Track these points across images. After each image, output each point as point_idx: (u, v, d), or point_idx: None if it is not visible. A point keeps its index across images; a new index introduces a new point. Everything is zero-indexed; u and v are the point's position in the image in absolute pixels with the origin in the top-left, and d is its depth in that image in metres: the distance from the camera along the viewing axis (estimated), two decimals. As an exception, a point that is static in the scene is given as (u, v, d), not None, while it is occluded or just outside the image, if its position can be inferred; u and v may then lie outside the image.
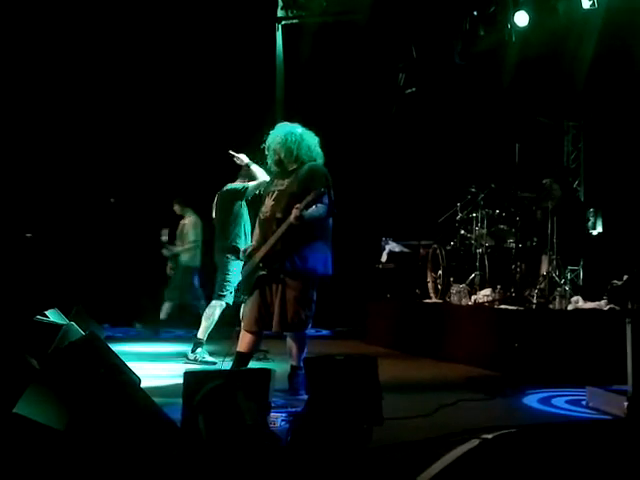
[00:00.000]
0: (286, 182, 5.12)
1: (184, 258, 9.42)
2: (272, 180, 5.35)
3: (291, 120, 5.40)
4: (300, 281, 4.99)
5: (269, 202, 5.12)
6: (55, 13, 9.86)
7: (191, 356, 6.60)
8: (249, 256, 5.20)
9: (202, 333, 6.67)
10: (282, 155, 5.14)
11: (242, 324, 5.18)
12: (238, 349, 5.16)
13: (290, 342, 5.18)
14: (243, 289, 5.27)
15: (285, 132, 5.19)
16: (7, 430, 3.09)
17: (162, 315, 9.32)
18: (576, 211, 8.22)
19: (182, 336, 8.80)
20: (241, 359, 5.12)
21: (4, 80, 9.72)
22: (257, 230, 5.27)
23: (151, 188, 10.31)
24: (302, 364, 4.98)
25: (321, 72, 10.33)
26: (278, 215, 4.99)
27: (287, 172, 5.17)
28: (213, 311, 6.70)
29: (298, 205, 4.84)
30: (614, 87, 8.84)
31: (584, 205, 8.82)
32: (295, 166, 5.14)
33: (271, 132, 5.28)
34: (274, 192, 5.14)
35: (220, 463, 2.95)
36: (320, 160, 5.23)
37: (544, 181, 8.15)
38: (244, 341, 5.13)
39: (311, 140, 5.22)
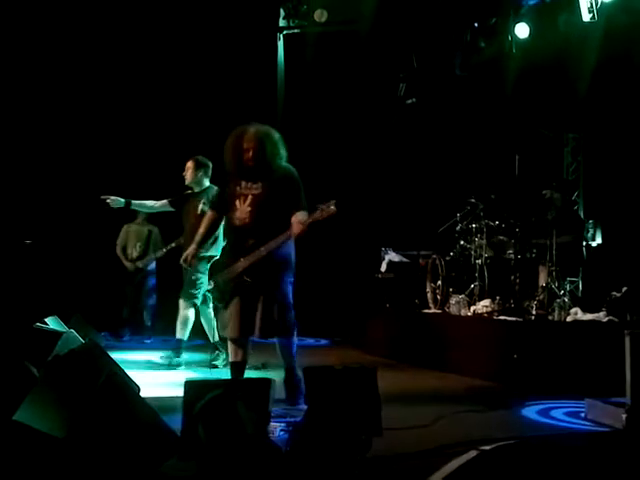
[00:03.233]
0: (260, 185, 4.90)
1: (154, 264, 9.83)
2: (234, 182, 4.99)
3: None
4: (282, 287, 4.95)
5: (244, 207, 4.89)
6: (54, 14, 9.88)
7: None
8: (223, 265, 5.02)
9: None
10: (269, 155, 4.88)
11: (227, 334, 5.05)
12: (231, 360, 5.09)
13: (281, 350, 5.08)
14: (217, 298, 5.08)
15: (274, 132, 4.99)
16: (7, 437, 3.09)
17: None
18: (574, 223, 8.25)
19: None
20: (237, 369, 5.05)
21: (5, 87, 9.74)
22: (229, 236, 5.10)
23: (153, 196, 10.31)
24: (296, 368, 4.97)
25: (322, 82, 10.37)
26: (259, 222, 4.86)
27: (256, 174, 4.90)
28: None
29: (302, 220, 4.74)
30: (614, 99, 8.87)
31: (580, 218, 8.87)
32: (270, 168, 4.92)
33: (247, 129, 4.96)
34: (247, 196, 4.91)
35: (220, 472, 2.95)
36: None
37: (544, 192, 8.18)
38: (235, 350, 5.04)
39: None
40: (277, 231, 4.89)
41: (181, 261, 5.47)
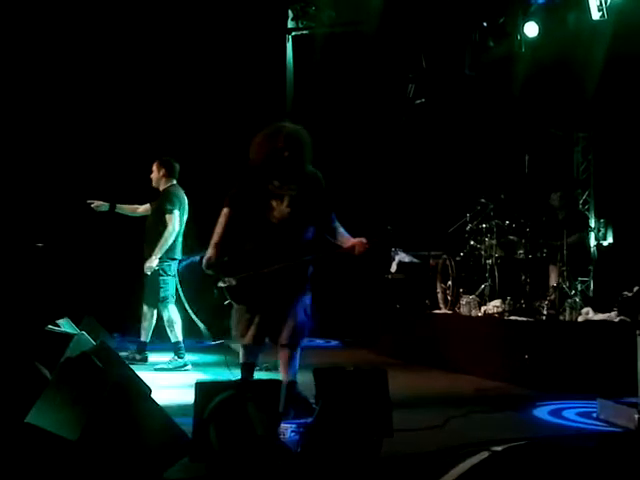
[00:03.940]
0: (295, 187, 4.70)
1: None
2: (264, 180, 4.70)
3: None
4: (309, 294, 4.84)
5: (283, 208, 4.67)
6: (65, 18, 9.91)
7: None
8: (243, 264, 4.69)
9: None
10: (305, 157, 4.71)
11: (244, 334, 4.75)
12: (243, 361, 4.87)
13: (290, 359, 4.76)
14: (236, 299, 4.75)
15: (308, 134, 4.79)
16: (19, 439, 3.11)
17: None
18: (582, 224, 8.25)
19: (191, 346, 8.78)
20: (248, 370, 4.87)
21: (17, 91, 9.80)
22: (255, 236, 4.72)
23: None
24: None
25: (331, 83, 10.38)
26: (297, 224, 4.68)
27: (290, 175, 4.69)
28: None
29: (365, 240, 4.73)
30: (624, 98, 8.84)
31: (587, 218, 8.89)
32: (303, 170, 4.74)
33: (284, 127, 4.74)
34: (284, 196, 4.69)
35: (231, 474, 2.96)
36: None
37: (555, 193, 8.17)
38: (248, 353, 4.83)
39: None
40: (311, 234, 4.78)
41: (204, 267, 4.85)
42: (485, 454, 3.74)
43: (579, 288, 7.75)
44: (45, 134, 10.20)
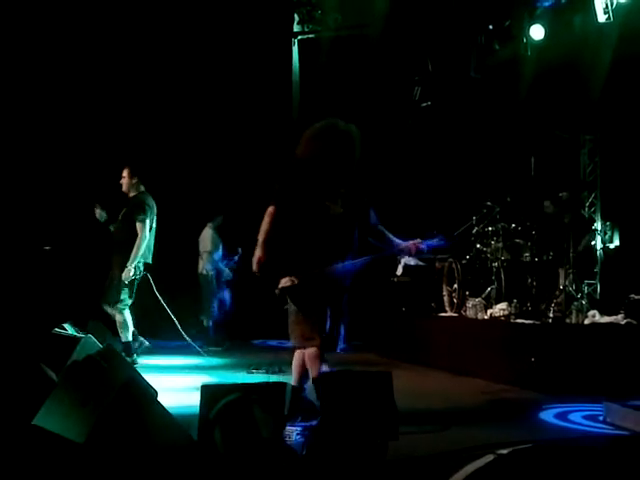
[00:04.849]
0: (345, 187, 4.53)
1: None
2: (317, 178, 4.47)
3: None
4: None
5: (337, 207, 4.46)
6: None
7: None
8: (301, 265, 4.35)
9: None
10: (356, 155, 4.59)
11: (311, 345, 4.39)
12: (316, 375, 4.34)
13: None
14: (301, 298, 4.38)
15: None
16: (26, 441, 3.13)
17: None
18: (586, 227, 8.25)
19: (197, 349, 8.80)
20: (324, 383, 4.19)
21: (24, 93, 9.84)
22: (309, 237, 4.41)
23: (171, 202, 10.37)
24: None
25: (337, 86, 10.40)
26: (352, 222, 4.52)
27: (340, 174, 4.53)
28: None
29: (420, 241, 4.67)
30: (630, 100, 8.82)
31: (588, 222, 8.89)
32: (352, 172, 4.61)
33: (340, 125, 4.58)
34: (336, 196, 4.47)
35: (236, 476, 2.96)
36: None
37: (561, 194, 8.16)
38: (319, 361, 4.36)
39: None
40: (357, 235, 4.62)
41: (254, 268, 4.44)
42: (490, 457, 3.73)
43: (586, 291, 7.75)
44: (53, 138, 10.25)
